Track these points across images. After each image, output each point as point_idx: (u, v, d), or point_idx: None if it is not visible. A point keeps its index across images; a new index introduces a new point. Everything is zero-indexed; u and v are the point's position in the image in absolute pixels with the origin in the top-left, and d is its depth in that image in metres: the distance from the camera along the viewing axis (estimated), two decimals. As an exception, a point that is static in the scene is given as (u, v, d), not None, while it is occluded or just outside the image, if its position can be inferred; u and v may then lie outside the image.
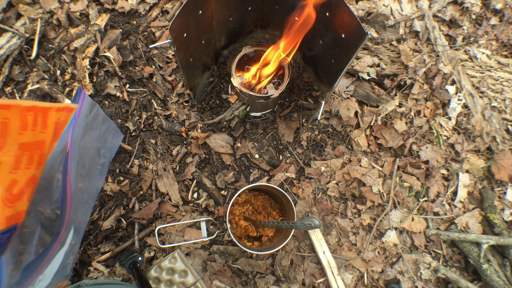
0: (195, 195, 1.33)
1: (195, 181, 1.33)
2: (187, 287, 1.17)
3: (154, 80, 1.42)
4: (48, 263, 0.79)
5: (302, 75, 1.44)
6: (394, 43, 1.49)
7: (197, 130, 1.37)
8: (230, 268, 1.23)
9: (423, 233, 1.29)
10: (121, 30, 1.44)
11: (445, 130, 1.39)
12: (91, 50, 1.37)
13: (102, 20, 1.42)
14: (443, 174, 1.35)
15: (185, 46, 1.03)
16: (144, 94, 1.41)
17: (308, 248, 1.27)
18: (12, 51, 1.34)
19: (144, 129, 1.37)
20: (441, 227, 1.32)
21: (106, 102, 1.38)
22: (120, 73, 1.39)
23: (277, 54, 1.08)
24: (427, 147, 1.36)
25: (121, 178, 1.31)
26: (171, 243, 1.21)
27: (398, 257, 1.27)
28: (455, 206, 1.32)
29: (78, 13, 1.43)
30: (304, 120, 1.41)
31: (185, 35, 0.98)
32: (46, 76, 1.37)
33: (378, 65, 1.44)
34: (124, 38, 1.45)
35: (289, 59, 1.10)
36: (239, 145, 1.37)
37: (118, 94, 1.37)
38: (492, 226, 1.29)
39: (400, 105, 1.39)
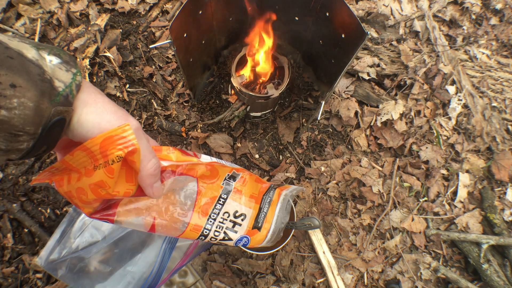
0: (195, 195, 1.33)
1: (195, 181, 1.33)
2: (187, 287, 1.17)
3: (154, 80, 1.42)
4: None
5: (302, 75, 1.44)
6: (394, 43, 1.49)
7: (197, 130, 1.37)
8: (230, 268, 1.23)
9: (423, 233, 1.29)
10: (121, 30, 1.44)
11: (445, 130, 1.39)
12: (91, 50, 1.37)
13: (102, 20, 1.42)
14: (443, 174, 1.35)
15: (185, 46, 1.03)
16: (144, 94, 1.41)
17: (308, 248, 1.27)
18: (12, 51, 1.34)
19: (144, 129, 1.37)
20: (441, 227, 1.32)
21: (106, 102, 1.38)
22: (120, 73, 1.39)
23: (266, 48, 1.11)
24: (427, 147, 1.36)
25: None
26: (171, 243, 1.21)
27: (398, 257, 1.27)
28: (455, 206, 1.32)
29: (78, 13, 1.43)
30: (304, 120, 1.41)
31: (185, 35, 0.98)
32: (46, 76, 1.37)
33: (378, 65, 1.44)
34: (124, 38, 1.45)
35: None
36: (239, 145, 1.37)
37: (118, 94, 1.37)
38: (492, 226, 1.29)
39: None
